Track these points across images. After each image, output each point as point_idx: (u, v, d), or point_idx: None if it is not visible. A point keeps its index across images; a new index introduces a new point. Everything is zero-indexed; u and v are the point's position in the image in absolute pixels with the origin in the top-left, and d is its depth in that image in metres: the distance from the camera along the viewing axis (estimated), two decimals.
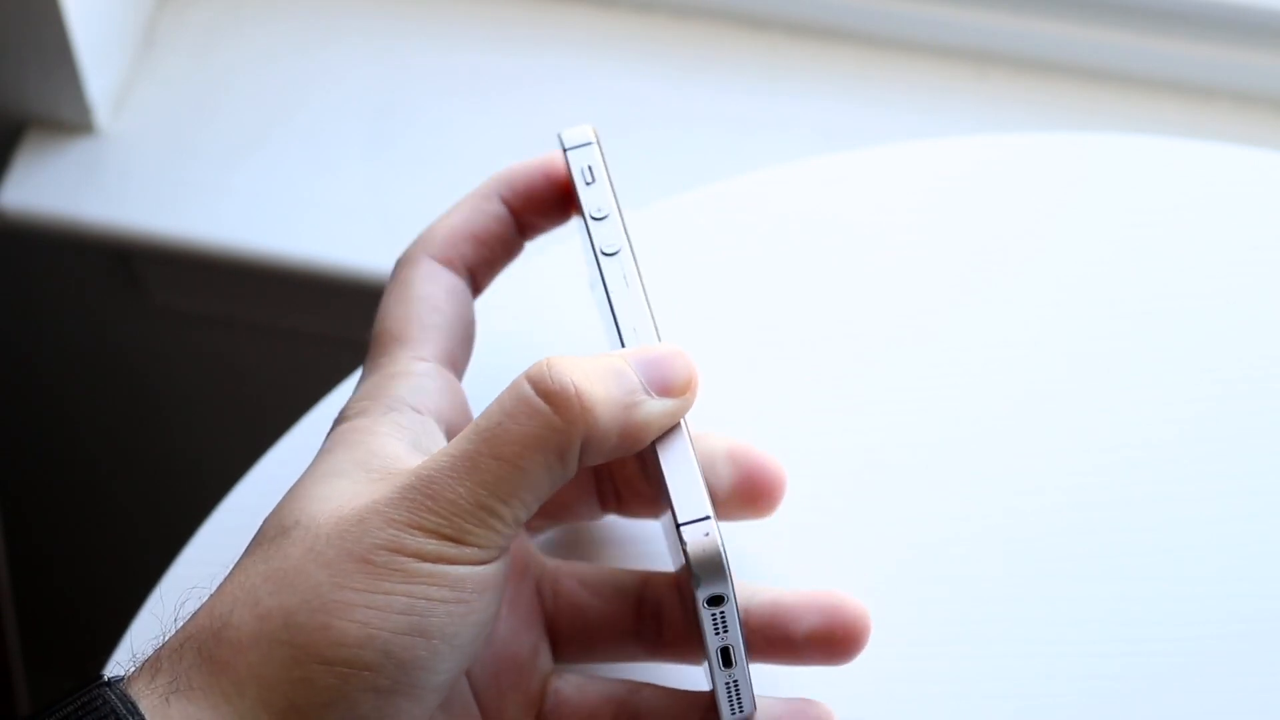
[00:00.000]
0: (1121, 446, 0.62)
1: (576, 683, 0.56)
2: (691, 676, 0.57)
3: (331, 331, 1.01)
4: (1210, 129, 0.95)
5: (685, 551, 0.50)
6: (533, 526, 0.59)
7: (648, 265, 0.56)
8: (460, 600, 0.49)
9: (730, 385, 0.63)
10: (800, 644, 0.55)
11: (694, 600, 0.50)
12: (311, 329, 1.02)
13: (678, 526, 0.50)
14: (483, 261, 0.57)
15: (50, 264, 1.05)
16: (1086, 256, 0.65)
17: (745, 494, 0.57)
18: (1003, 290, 0.65)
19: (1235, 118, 0.95)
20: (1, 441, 1.16)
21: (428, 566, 0.49)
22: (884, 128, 0.96)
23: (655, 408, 0.52)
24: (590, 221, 0.55)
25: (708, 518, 0.50)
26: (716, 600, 0.50)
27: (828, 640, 0.55)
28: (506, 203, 0.57)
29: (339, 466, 0.52)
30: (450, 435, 0.54)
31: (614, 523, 0.60)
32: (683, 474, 0.51)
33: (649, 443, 0.52)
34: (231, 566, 0.51)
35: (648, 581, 0.57)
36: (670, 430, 0.52)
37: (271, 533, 0.51)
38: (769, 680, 0.55)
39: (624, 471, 0.58)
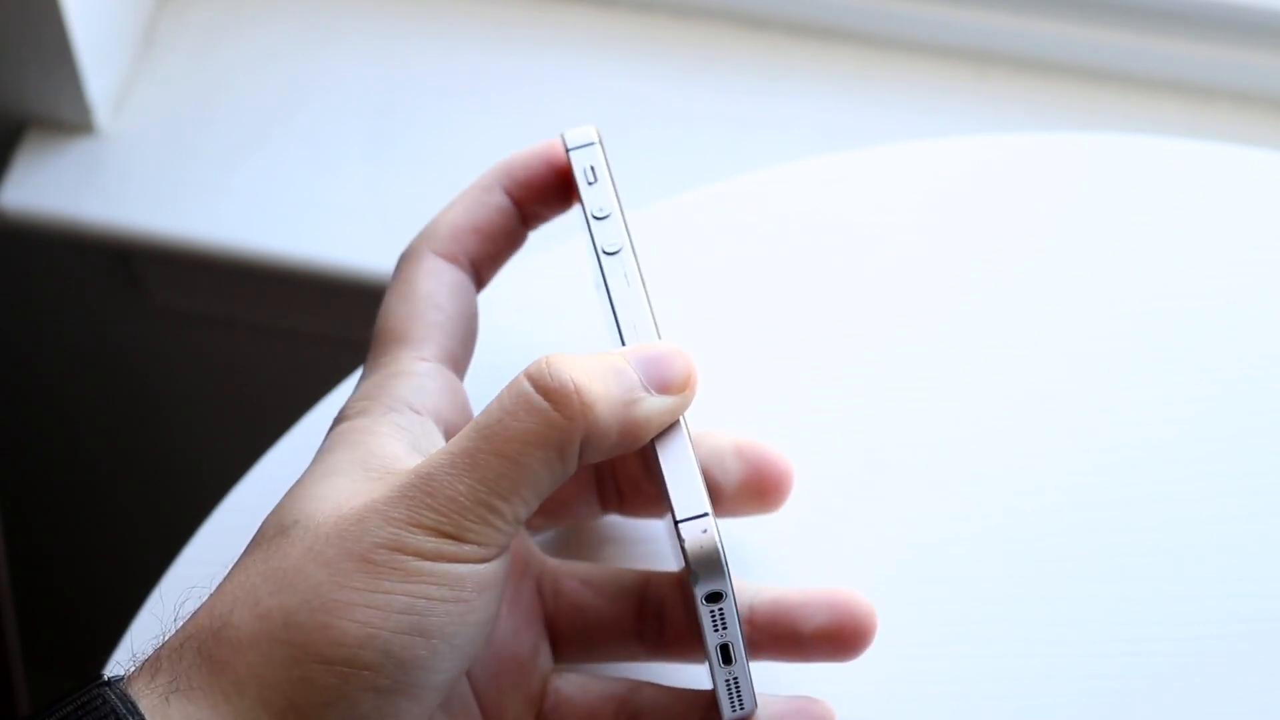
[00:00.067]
0: (1121, 446, 0.62)
1: (577, 681, 0.56)
2: (693, 675, 0.57)
3: (331, 331, 1.01)
4: (1210, 129, 0.95)
5: (683, 548, 0.50)
6: (533, 526, 0.59)
7: (648, 265, 0.57)
8: (460, 599, 0.49)
9: (731, 385, 0.63)
10: (807, 641, 0.55)
11: (693, 597, 0.50)
12: (311, 329, 1.02)
13: (676, 523, 0.50)
14: (486, 254, 0.57)
15: (50, 264, 1.05)
16: (1086, 256, 0.65)
17: (754, 489, 0.57)
18: (1003, 290, 0.65)
19: (1235, 118, 0.95)
20: (1, 441, 1.16)
21: (428, 565, 0.49)
22: (884, 128, 0.96)
23: (654, 405, 0.52)
24: (592, 221, 0.55)
25: (706, 514, 0.50)
26: (715, 597, 0.50)
27: (835, 637, 0.55)
28: (508, 193, 0.57)
29: (338, 466, 0.52)
30: (449, 436, 0.54)
31: (615, 522, 0.60)
32: (681, 471, 0.51)
33: (648, 440, 0.52)
34: (231, 566, 0.51)
35: (649, 581, 0.57)
36: (670, 428, 0.52)
37: (271, 532, 0.51)
38: (769, 679, 0.55)
39: (628, 471, 0.58)
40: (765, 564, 0.60)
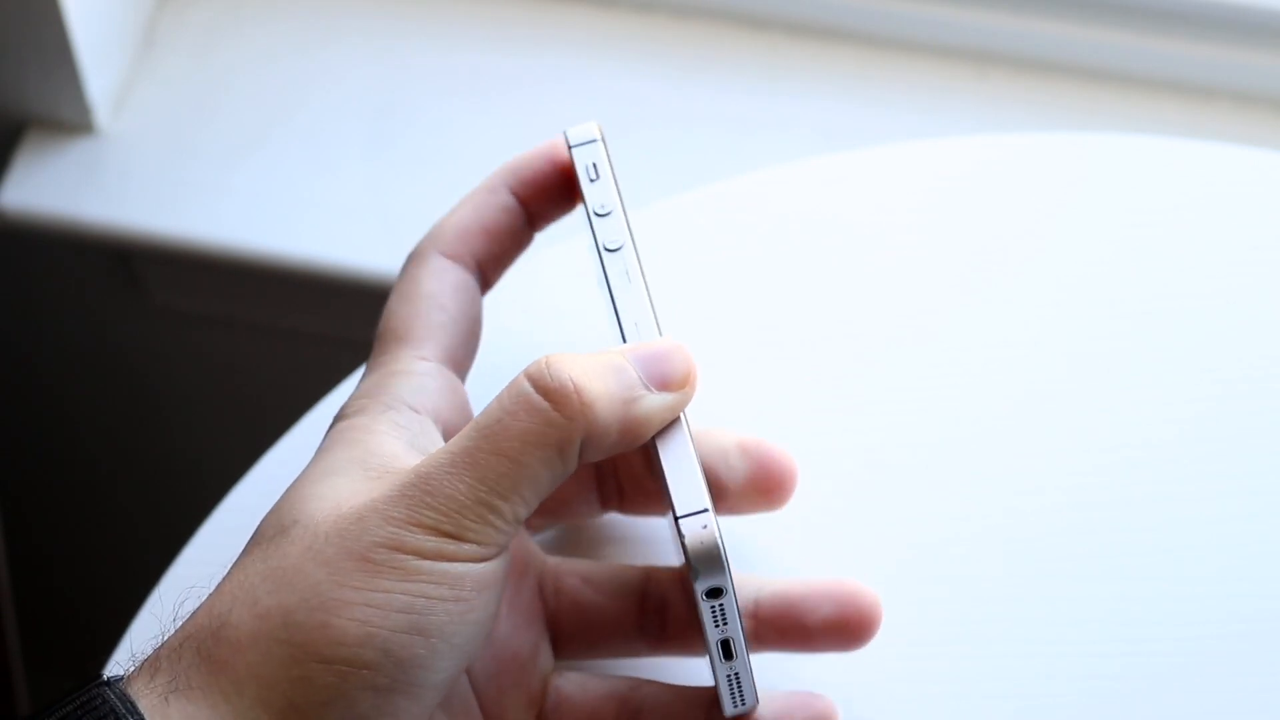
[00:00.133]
0: (1121, 446, 0.62)
1: (578, 680, 0.56)
2: (694, 673, 0.57)
3: (331, 331, 1.01)
4: (1210, 129, 0.95)
5: (683, 544, 0.50)
6: (533, 525, 0.59)
7: (648, 264, 0.57)
8: (459, 598, 0.49)
9: (731, 385, 0.63)
10: (814, 633, 0.55)
11: (693, 593, 0.50)
12: (311, 329, 1.02)
13: (676, 519, 0.50)
14: (492, 255, 0.57)
15: (50, 264, 1.05)
16: (1086, 256, 0.65)
17: (759, 487, 0.57)
18: (1003, 290, 0.65)
19: (1235, 118, 0.95)
20: (1, 441, 1.16)
21: (427, 564, 0.49)
22: (884, 128, 0.96)
23: (654, 403, 0.52)
24: (594, 217, 0.55)
25: (706, 510, 0.50)
26: (715, 592, 0.50)
27: (842, 628, 0.55)
28: (514, 193, 0.57)
29: (337, 465, 0.52)
30: (449, 436, 0.54)
31: (616, 521, 0.60)
32: (682, 468, 0.51)
33: (648, 437, 0.52)
34: (230, 566, 0.51)
35: (650, 577, 0.57)
36: (670, 425, 0.52)
37: (270, 532, 0.51)
38: (770, 676, 0.55)
39: (629, 469, 0.58)
40: (766, 564, 0.60)
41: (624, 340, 0.54)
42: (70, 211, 0.96)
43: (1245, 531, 0.60)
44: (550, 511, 0.59)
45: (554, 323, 0.64)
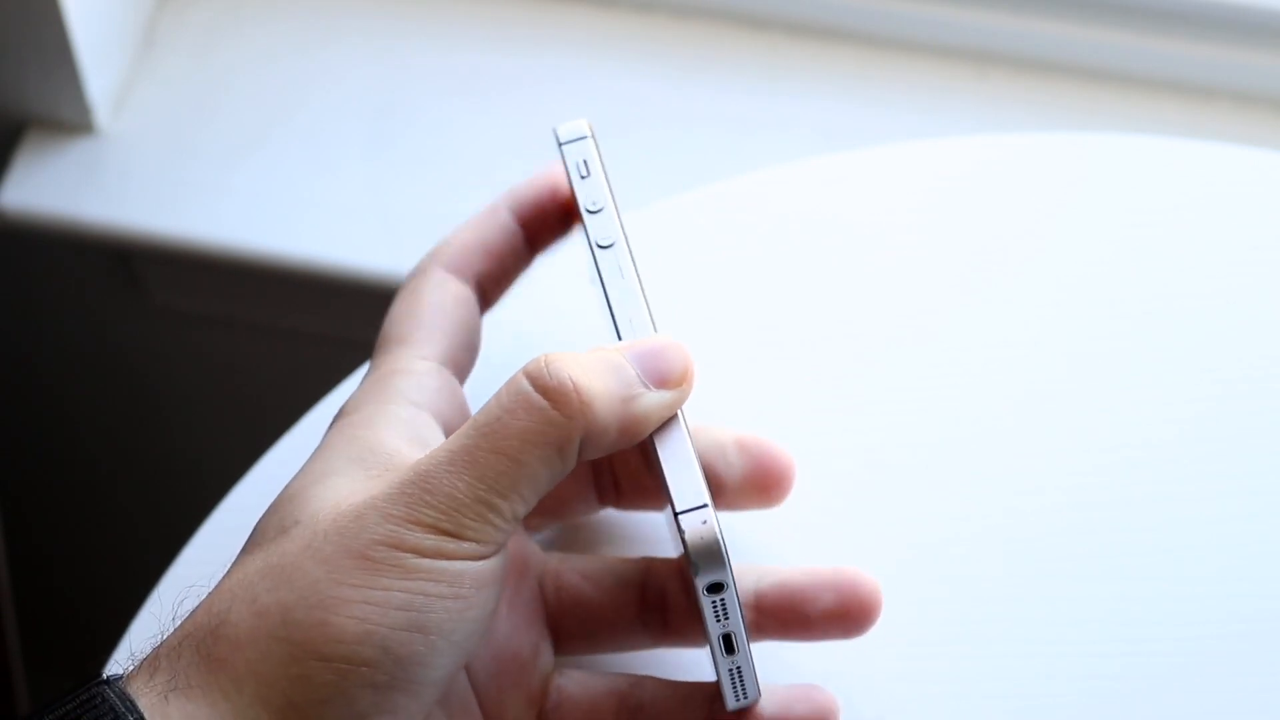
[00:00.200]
0: (1121, 446, 0.62)
1: (579, 678, 0.56)
2: (695, 669, 0.57)
3: (331, 331, 1.01)
4: (1210, 129, 0.95)
5: (684, 540, 0.50)
6: (531, 525, 0.59)
7: (647, 265, 0.57)
8: (458, 596, 0.49)
9: (730, 385, 0.63)
10: (815, 622, 0.56)
11: (694, 588, 0.50)
12: (311, 329, 1.02)
13: (676, 515, 0.50)
14: (492, 274, 0.58)
15: (50, 264, 1.05)
16: (1086, 256, 0.65)
17: (757, 484, 0.58)
18: (1003, 290, 0.65)
19: (1235, 118, 0.95)
20: (1, 441, 1.16)
21: (426, 562, 0.49)
22: (884, 128, 0.96)
23: (653, 400, 0.52)
24: (585, 214, 0.56)
25: (705, 506, 0.51)
26: (716, 588, 0.50)
27: (843, 617, 0.56)
28: (515, 217, 0.58)
29: (336, 463, 0.52)
30: (448, 433, 0.54)
31: (616, 521, 0.60)
32: (680, 464, 0.51)
33: (646, 435, 0.52)
34: (229, 564, 0.51)
35: (650, 570, 0.57)
36: (668, 421, 0.52)
37: (269, 530, 0.51)
38: (771, 671, 0.55)
39: (625, 465, 0.59)
40: (766, 563, 0.60)
41: (619, 337, 0.54)
42: (70, 211, 0.96)
43: (1245, 531, 0.60)
44: (549, 510, 0.59)
45: (551, 320, 0.64)
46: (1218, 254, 0.65)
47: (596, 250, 0.55)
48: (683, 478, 0.51)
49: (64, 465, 1.19)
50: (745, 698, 0.53)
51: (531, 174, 0.59)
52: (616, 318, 0.54)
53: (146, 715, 0.48)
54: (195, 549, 0.62)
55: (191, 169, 0.97)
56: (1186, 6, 0.94)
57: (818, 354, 0.64)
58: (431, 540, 0.49)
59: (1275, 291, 0.64)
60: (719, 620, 0.51)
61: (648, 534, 0.60)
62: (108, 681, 0.49)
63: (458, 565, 0.49)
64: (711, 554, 0.50)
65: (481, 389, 0.56)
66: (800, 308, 0.65)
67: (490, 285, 0.58)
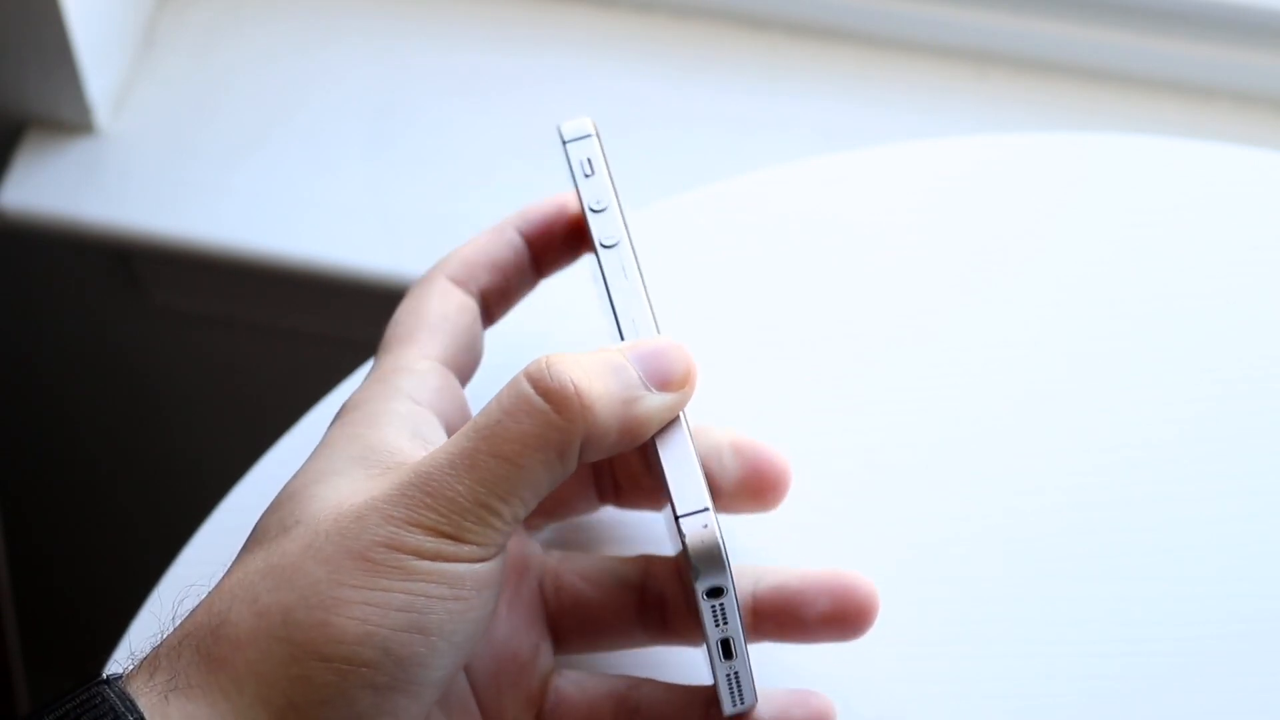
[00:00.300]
0: (1121, 446, 0.62)
1: (577, 680, 0.56)
2: (693, 671, 0.57)
3: (331, 331, 1.01)
4: (1210, 129, 0.95)
5: (684, 543, 0.50)
6: (531, 525, 0.59)
7: (648, 265, 0.57)
8: (459, 597, 0.49)
9: (731, 385, 0.63)
10: (812, 626, 0.55)
11: (693, 592, 0.50)
12: (311, 329, 1.02)
13: (676, 519, 0.50)
14: (496, 288, 0.58)
15: (50, 264, 1.05)
16: (1086, 256, 0.65)
17: (751, 487, 0.57)
18: (1003, 290, 0.65)
19: (1235, 118, 0.95)
20: (1, 441, 1.16)
21: (426, 564, 0.49)
22: (884, 128, 0.96)
23: (654, 402, 0.52)
24: (589, 214, 0.55)
25: (706, 509, 0.50)
26: (716, 592, 0.50)
27: (839, 621, 0.55)
28: (522, 235, 0.58)
29: (337, 462, 0.52)
30: (450, 432, 0.55)
31: (614, 516, 0.60)
32: (681, 466, 0.51)
33: (648, 437, 0.52)
34: (229, 564, 0.51)
35: (648, 570, 0.57)
36: (669, 423, 0.52)
37: (270, 529, 0.51)
38: (769, 674, 0.55)
39: (625, 466, 0.59)
40: (766, 564, 0.60)
41: (621, 337, 0.54)
42: (70, 211, 0.96)
43: (1245, 531, 0.60)
44: (549, 510, 0.59)
45: (553, 321, 0.64)
46: (1218, 254, 0.65)
47: (600, 249, 0.55)
48: (684, 481, 0.51)
49: (64, 465, 1.19)
50: (742, 703, 0.53)
51: (543, 196, 0.59)
52: (619, 318, 0.54)
53: (146, 715, 0.48)
54: (195, 549, 0.62)
55: (191, 169, 0.97)
56: (1186, 6, 0.94)
57: (818, 354, 0.64)
58: (432, 543, 0.49)
59: (1275, 291, 0.64)
60: (718, 625, 0.51)
61: (648, 533, 0.60)
62: (108, 681, 0.49)
63: (459, 567, 0.49)
64: (712, 558, 0.50)
65: (481, 390, 0.56)
66: (800, 308, 0.65)
67: (494, 300, 0.59)
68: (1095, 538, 0.60)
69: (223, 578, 0.51)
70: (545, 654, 0.56)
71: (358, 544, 0.49)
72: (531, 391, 0.50)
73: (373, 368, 0.56)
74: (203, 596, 0.50)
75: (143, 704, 0.48)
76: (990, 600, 0.60)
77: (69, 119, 0.97)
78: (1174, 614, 0.59)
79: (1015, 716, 0.58)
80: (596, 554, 0.59)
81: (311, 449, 0.53)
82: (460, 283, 0.58)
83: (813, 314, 0.64)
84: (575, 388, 0.50)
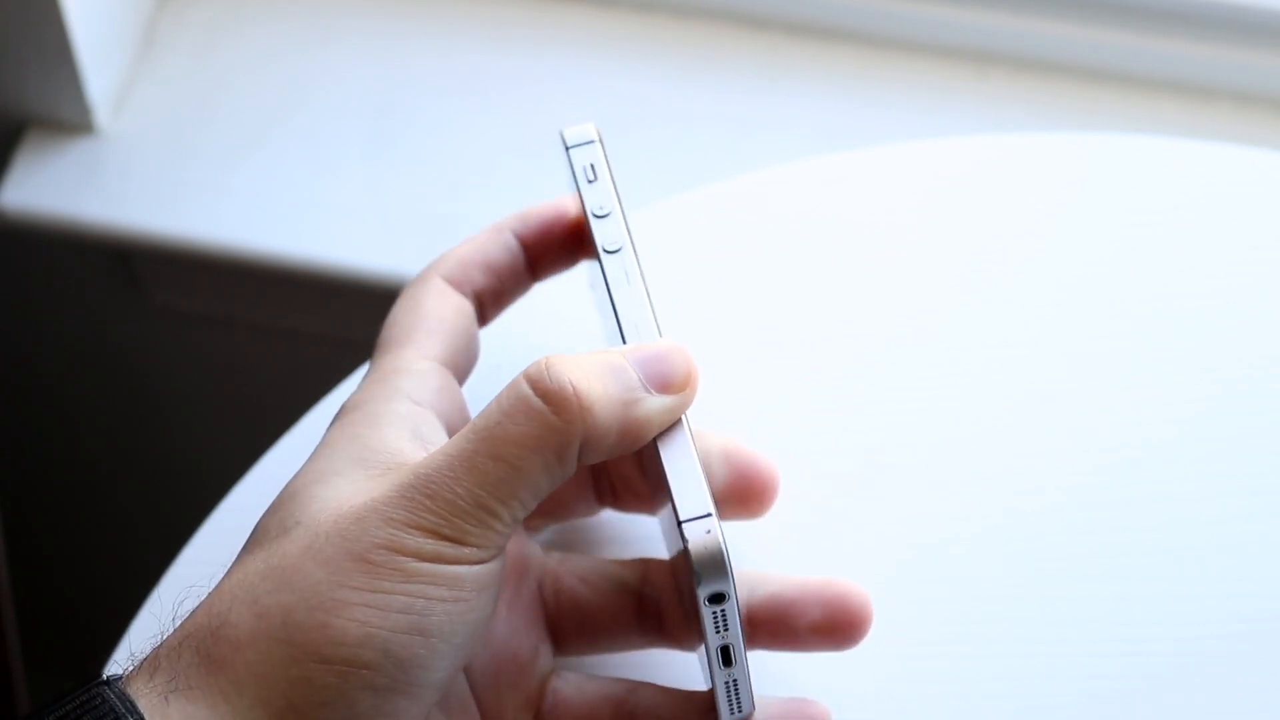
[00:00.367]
0: (1121, 446, 0.62)
1: (575, 682, 0.56)
2: (690, 677, 0.57)
3: (331, 331, 1.01)
4: (1210, 129, 0.95)
5: (687, 549, 0.50)
6: (531, 526, 0.59)
7: (648, 265, 0.57)
8: (459, 599, 0.49)
9: (731, 385, 0.63)
10: (804, 635, 0.55)
11: (695, 598, 0.50)
12: (311, 329, 1.02)
13: (679, 524, 0.50)
14: (491, 290, 0.58)
15: (50, 264, 1.05)
16: (1086, 256, 0.65)
17: (739, 494, 0.57)
18: (1003, 290, 0.65)
19: (1235, 118, 0.95)
20: (1, 441, 1.16)
21: (426, 566, 0.49)
22: (884, 128, 0.96)
23: (654, 405, 0.52)
24: (592, 219, 0.55)
25: (709, 515, 0.50)
26: (718, 598, 0.50)
27: (830, 631, 0.55)
28: (519, 237, 0.58)
29: (337, 463, 0.52)
30: (450, 432, 0.55)
31: (614, 518, 0.60)
32: (684, 471, 0.51)
33: (649, 440, 0.52)
34: (229, 565, 0.51)
35: (647, 573, 0.57)
36: (671, 427, 0.52)
37: (270, 531, 0.51)
38: (767, 682, 0.55)
39: (620, 469, 0.58)
40: (766, 564, 0.60)
41: (624, 343, 0.54)
42: (70, 211, 0.96)
43: (1245, 531, 0.60)
44: (549, 511, 0.59)
45: (551, 326, 0.64)
46: (1218, 254, 0.65)
47: (603, 255, 0.55)
48: (687, 485, 0.51)
49: (64, 465, 1.19)
50: (740, 710, 0.52)
51: (540, 200, 0.59)
52: (622, 323, 0.54)
53: (146, 716, 0.48)
54: (195, 549, 0.62)
55: (191, 169, 0.97)
56: (1186, 6, 0.94)
57: (818, 354, 0.64)
58: (431, 545, 0.49)
59: (1275, 291, 0.64)
60: (718, 631, 0.50)
61: (648, 533, 0.60)
62: (107, 682, 0.49)
63: (458, 569, 0.49)
64: (715, 564, 0.50)
65: (479, 394, 0.56)
66: (800, 308, 0.65)
67: (488, 301, 0.58)
68: (1095, 538, 0.60)
69: (223, 579, 0.51)
70: (544, 655, 0.56)
71: (358, 546, 0.49)
72: (530, 393, 0.50)
73: (370, 368, 0.56)
74: (203, 597, 0.50)
75: (143, 705, 0.48)
76: (990, 600, 0.60)
77: (69, 119, 0.97)
78: (1174, 614, 0.59)
79: (1015, 716, 0.58)
80: (595, 556, 0.59)
81: (311, 449, 0.53)
82: (455, 283, 0.58)
83: (813, 314, 0.64)
84: (574, 389, 0.50)
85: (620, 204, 0.55)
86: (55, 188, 0.97)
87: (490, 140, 0.96)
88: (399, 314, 0.57)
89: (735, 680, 0.51)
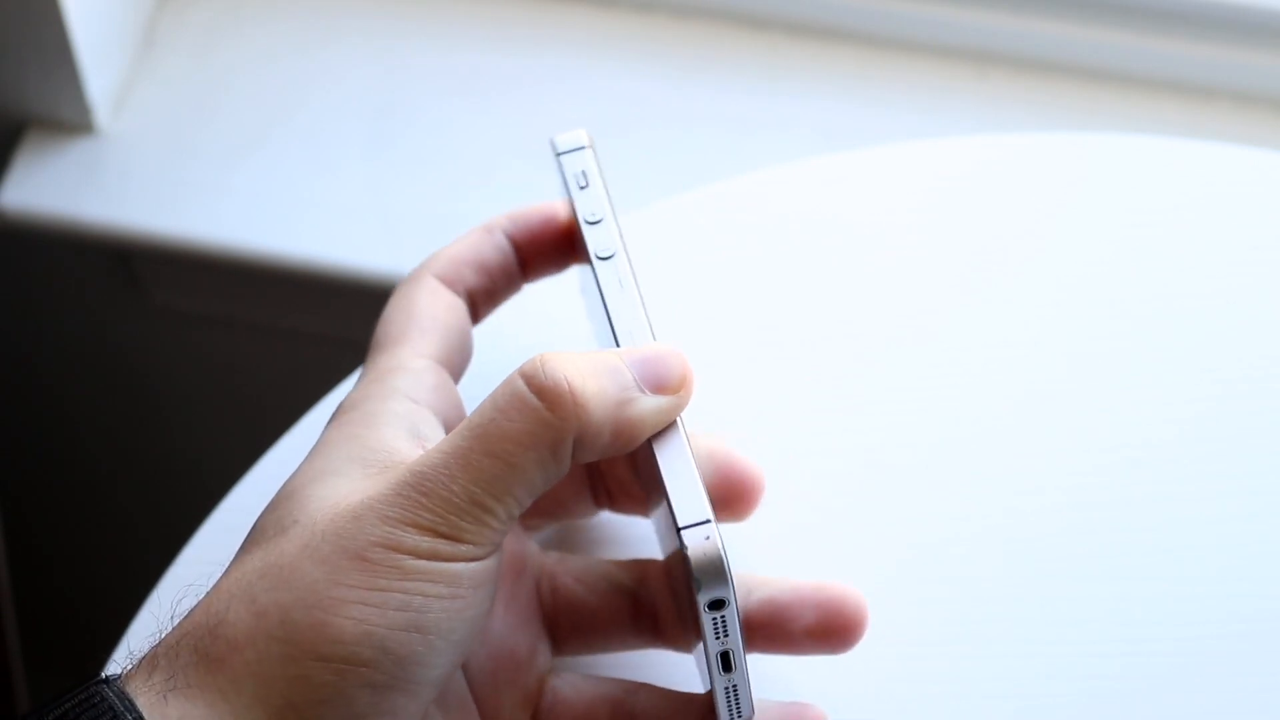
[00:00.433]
0: (1121, 446, 0.62)
1: (574, 682, 0.56)
2: (689, 679, 0.57)
3: (331, 331, 1.01)
4: (1210, 129, 0.95)
5: (686, 556, 0.50)
6: (530, 526, 0.59)
7: (647, 266, 0.57)
8: (456, 596, 0.49)
9: (730, 385, 0.63)
10: (798, 639, 0.55)
11: (695, 604, 0.50)
12: (311, 329, 1.02)
13: (678, 530, 0.50)
14: (483, 289, 0.58)
15: (50, 264, 1.05)
16: (1086, 256, 0.65)
17: (723, 496, 0.57)
18: (1003, 290, 0.65)
19: (1235, 118, 0.95)
20: (1, 441, 1.16)
21: (423, 564, 0.49)
22: (884, 128, 0.96)
23: (649, 405, 0.52)
24: (584, 226, 0.55)
25: (708, 520, 0.50)
26: (718, 604, 0.50)
27: (825, 635, 0.55)
28: (510, 237, 0.58)
29: (334, 462, 0.52)
30: (447, 430, 0.55)
31: (612, 519, 0.60)
32: (681, 476, 0.51)
33: (642, 440, 0.52)
34: (228, 564, 0.51)
35: (643, 575, 0.57)
36: (667, 430, 0.52)
37: (268, 530, 0.51)
38: (766, 683, 0.55)
39: (615, 472, 0.58)
40: (764, 565, 0.60)
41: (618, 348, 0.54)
42: (70, 211, 0.96)
43: (1245, 531, 0.60)
44: (547, 511, 0.59)
45: (544, 329, 0.64)
46: (1218, 254, 0.65)
47: (596, 261, 0.55)
48: (684, 491, 0.50)
49: (64, 465, 1.19)
50: (740, 715, 0.52)
51: (533, 201, 0.59)
52: (616, 329, 0.54)
53: (145, 714, 0.48)
54: (195, 549, 0.62)
55: (191, 169, 0.97)
56: (1186, 6, 0.94)
57: (818, 354, 0.64)
58: (428, 543, 0.49)
59: (1275, 291, 0.64)
60: (718, 637, 0.50)
61: (647, 535, 0.60)
62: (106, 680, 0.49)
63: (455, 566, 0.49)
64: (715, 570, 0.50)
65: (469, 395, 0.56)
66: (800, 308, 0.65)
67: (479, 300, 0.59)
68: (1095, 538, 0.60)
69: (221, 578, 0.51)
70: (543, 653, 0.56)
71: (355, 544, 0.49)
72: (525, 389, 0.50)
73: (366, 367, 0.56)
74: (201, 596, 0.50)
75: (141, 703, 0.48)
76: (990, 600, 0.60)
77: (69, 119, 0.97)
78: (1174, 614, 0.59)
79: (1015, 716, 0.58)
80: (592, 557, 0.59)
81: (311, 449, 0.53)
82: (448, 281, 0.58)
83: (812, 314, 0.64)
84: (569, 385, 0.50)
85: (612, 210, 0.55)
86: (55, 188, 0.97)
87: (490, 140, 0.96)
88: (393, 313, 0.57)
89: (735, 685, 0.51)
